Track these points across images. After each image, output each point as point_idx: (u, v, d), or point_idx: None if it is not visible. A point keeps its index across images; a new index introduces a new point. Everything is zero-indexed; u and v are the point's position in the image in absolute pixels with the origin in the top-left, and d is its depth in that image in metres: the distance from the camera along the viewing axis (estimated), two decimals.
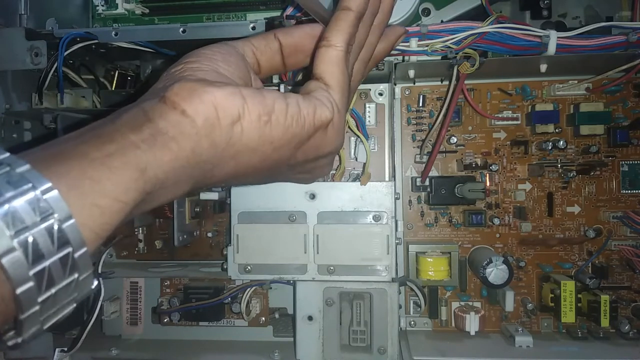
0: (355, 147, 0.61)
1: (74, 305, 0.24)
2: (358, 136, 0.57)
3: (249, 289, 0.61)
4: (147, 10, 0.59)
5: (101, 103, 0.64)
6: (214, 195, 0.63)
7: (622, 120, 0.60)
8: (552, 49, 0.51)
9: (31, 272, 0.21)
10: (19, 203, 0.21)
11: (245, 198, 0.56)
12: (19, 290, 0.20)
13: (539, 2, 0.61)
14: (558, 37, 0.51)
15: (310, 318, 0.57)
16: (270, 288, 0.63)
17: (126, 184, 0.25)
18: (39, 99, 0.60)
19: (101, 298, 0.57)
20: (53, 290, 0.22)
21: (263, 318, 0.64)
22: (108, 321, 0.66)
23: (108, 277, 0.61)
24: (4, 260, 0.20)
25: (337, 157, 0.58)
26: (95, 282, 0.25)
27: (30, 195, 0.21)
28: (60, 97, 0.59)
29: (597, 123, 0.58)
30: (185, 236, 0.63)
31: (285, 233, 0.55)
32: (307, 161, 0.38)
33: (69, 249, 0.22)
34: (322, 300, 0.56)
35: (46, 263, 0.21)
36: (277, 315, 0.66)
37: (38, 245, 0.21)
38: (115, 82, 0.71)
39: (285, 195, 0.55)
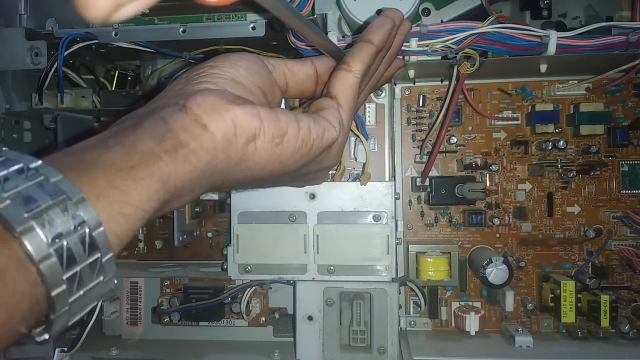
0: (355, 147, 0.61)
1: (96, 303, 0.25)
2: (358, 136, 0.57)
3: (249, 289, 0.61)
4: (147, 10, 0.59)
5: (101, 103, 0.64)
6: (214, 195, 0.63)
7: (622, 120, 0.60)
8: (552, 49, 0.51)
9: (64, 277, 0.22)
10: (55, 212, 0.22)
11: (245, 198, 0.56)
12: (53, 293, 0.22)
13: (539, 2, 0.61)
14: (558, 37, 0.51)
15: (310, 318, 0.57)
16: (270, 288, 0.63)
17: (149, 194, 0.26)
18: (39, 99, 0.60)
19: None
20: (82, 292, 0.23)
21: (263, 318, 0.64)
22: (108, 321, 0.66)
23: None
24: (42, 266, 0.21)
25: None
26: (115, 282, 0.26)
27: (65, 204, 0.22)
28: (60, 97, 0.59)
29: (597, 123, 0.58)
30: (185, 236, 0.63)
31: (285, 233, 0.55)
32: (308, 173, 0.40)
33: (98, 255, 0.23)
34: (322, 300, 0.57)
35: (78, 268, 0.23)
36: (277, 315, 0.66)
37: (71, 252, 0.22)
38: (115, 82, 0.71)
39: (285, 195, 0.55)
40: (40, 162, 0.23)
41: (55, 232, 0.22)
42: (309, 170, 0.39)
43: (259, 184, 0.40)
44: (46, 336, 0.23)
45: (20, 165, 0.22)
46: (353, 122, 0.57)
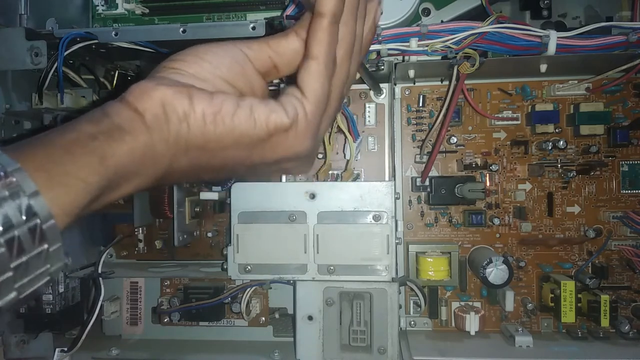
0: (344, 145, 0.61)
1: (48, 278, 0.26)
2: (345, 134, 0.58)
3: (249, 289, 0.61)
4: (147, 10, 0.59)
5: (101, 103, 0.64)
6: (214, 195, 0.63)
7: (622, 120, 0.60)
8: (552, 49, 0.51)
9: (2, 239, 0.23)
10: None
11: (245, 198, 0.56)
12: None
13: (539, 2, 0.61)
14: (558, 37, 0.51)
15: (310, 318, 0.57)
16: (270, 288, 0.63)
17: (88, 169, 0.27)
18: (39, 99, 0.59)
19: (101, 298, 0.57)
20: (24, 258, 0.24)
21: (263, 318, 0.64)
22: (108, 321, 0.66)
23: (108, 277, 0.61)
24: None
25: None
26: (67, 259, 0.27)
27: None
28: (60, 97, 0.59)
29: (597, 123, 0.58)
30: (185, 236, 0.63)
31: (285, 233, 0.55)
32: (266, 164, 0.38)
33: (37, 221, 0.24)
34: (322, 300, 0.56)
35: (15, 232, 0.23)
36: (277, 315, 0.66)
37: (8, 217, 0.23)
38: (115, 82, 0.71)
39: (285, 195, 0.55)
40: None
41: None
42: (264, 159, 0.36)
43: (215, 171, 0.37)
44: None
45: None
46: (344, 119, 0.57)
